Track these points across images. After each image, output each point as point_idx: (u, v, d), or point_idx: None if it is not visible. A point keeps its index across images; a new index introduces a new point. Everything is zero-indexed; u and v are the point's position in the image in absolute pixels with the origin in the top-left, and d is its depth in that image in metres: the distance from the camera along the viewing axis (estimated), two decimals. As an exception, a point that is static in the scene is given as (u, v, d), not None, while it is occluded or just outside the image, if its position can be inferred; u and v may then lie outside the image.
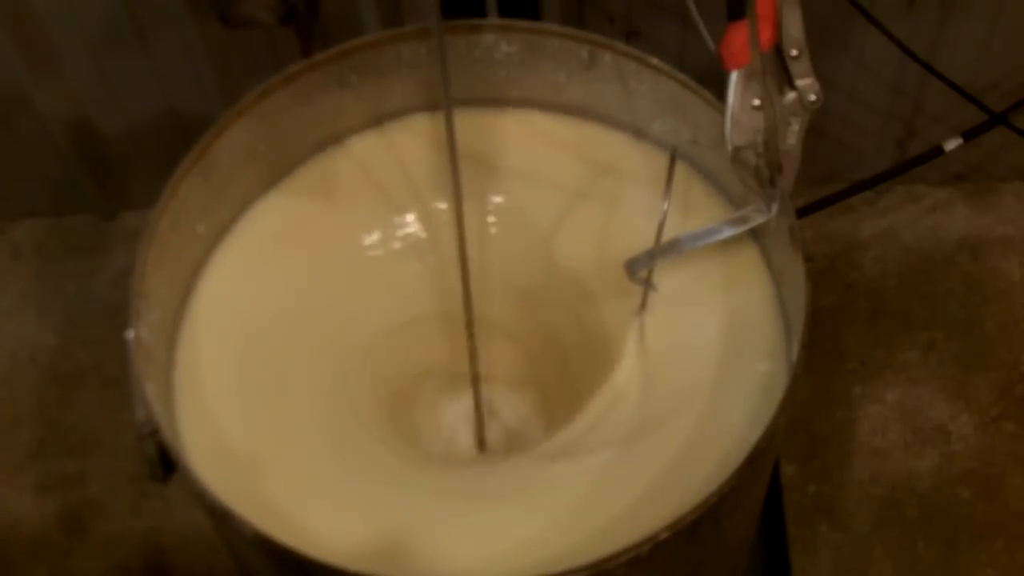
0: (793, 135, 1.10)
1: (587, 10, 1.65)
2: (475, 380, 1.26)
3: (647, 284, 1.22)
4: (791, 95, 1.08)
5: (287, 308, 1.25)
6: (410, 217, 1.33)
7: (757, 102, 1.07)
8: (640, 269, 1.20)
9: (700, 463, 1.12)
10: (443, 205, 1.32)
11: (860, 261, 1.85)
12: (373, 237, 1.32)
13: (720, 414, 1.16)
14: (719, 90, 1.09)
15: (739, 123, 1.08)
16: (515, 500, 1.17)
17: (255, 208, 1.30)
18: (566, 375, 1.32)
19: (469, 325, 1.20)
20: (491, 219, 1.32)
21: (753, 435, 1.02)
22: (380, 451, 1.21)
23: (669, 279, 1.23)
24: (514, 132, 1.34)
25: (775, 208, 1.14)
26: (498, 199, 1.33)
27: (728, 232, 1.19)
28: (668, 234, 1.20)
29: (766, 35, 1.04)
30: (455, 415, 1.37)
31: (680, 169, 1.25)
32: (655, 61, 1.24)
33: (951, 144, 1.67)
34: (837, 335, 1.77)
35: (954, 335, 1.77)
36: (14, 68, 1.68)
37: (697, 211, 1.27)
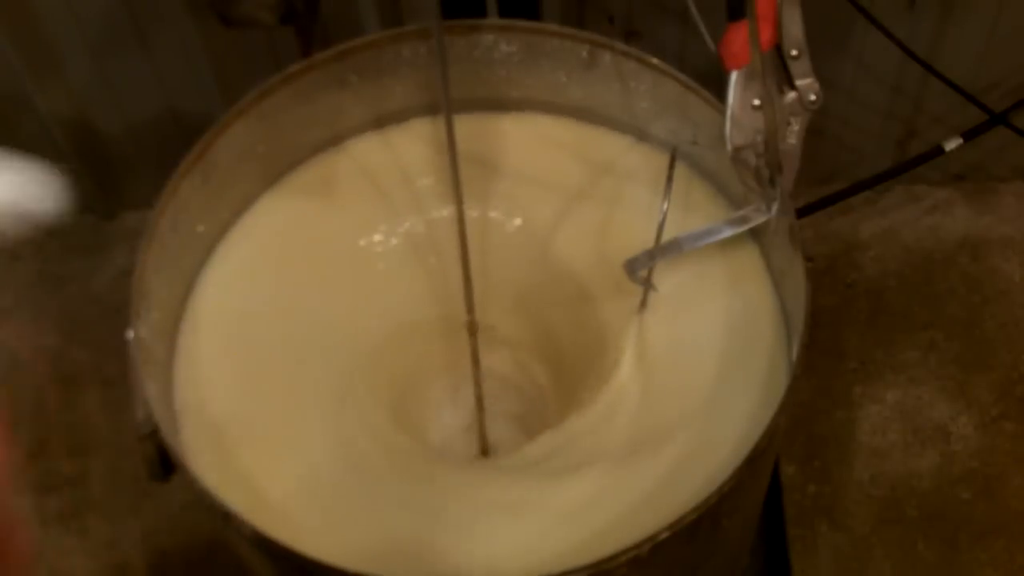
0: (793, 135, 1.10)
1: (587, 10, 1.65)
2: (477, 384, 1.26)
3: (647, 284, 1.22)
4: (791, 95, 1.08)
5: (287, 308, 1.25)
6: (410, 217, 1.33)
7: (757, 102, 1.07)
8: (640, 269, 1.20)
9: (700, 463, 1.12)
10: (443, 205, 1.32)
11: (860, 261, 1.85)
12: (373, 237, 1.32)
13: (720, 414, 1.16)
14: (719, 90, 1.10)
15: (739, 123, 1.08)
16: (515, 500, 1.17)
17: (255, 208, 1.30)
18: (566, 375, 1.32)
19: (472, 328, 1.20)
20: (491, 219, 1.32)
21: (753, 435, 1.02)
22: (380, 451, 1.21)
23: (669, 279, 1.23)
24: (514, 132, 1.34)
25: (775, 208, 1.14)
26: (498, 199, 1.33)
27: (728, 232, 1.19)
28: (668, 234, 1.20)
29: (766, 35, 1.04)
30: (457, 415, 1.37)
31: (680, 169, 1.25)
32: (655, 61, 1.24)
33: (951, 144, 1.67)
34: (837, 335, 1.77)
35: (954, 335, 1.77)
36: (14, 68, 1.68)
37: (697, 211, 1.27)
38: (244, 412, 1.18)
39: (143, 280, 1.11)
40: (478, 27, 1.27)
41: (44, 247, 1.94)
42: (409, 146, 1.34)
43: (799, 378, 1.05)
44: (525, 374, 1.38)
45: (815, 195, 1.74)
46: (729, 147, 1.10)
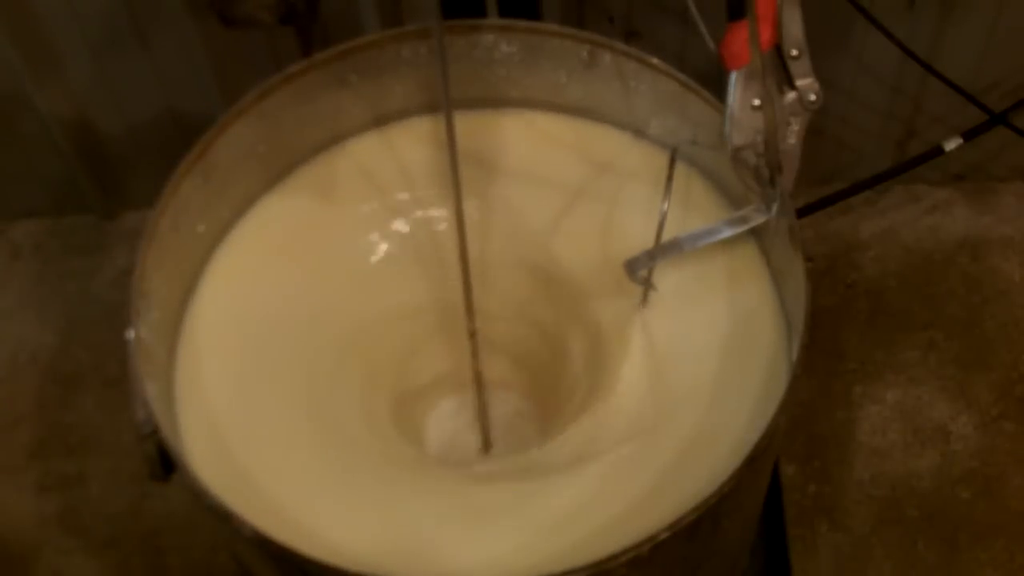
0: (793, 135, 1.10)
1: (587, 10, 1.65)
2: (478, 382, 1.26)
3: (647, 284, 1.22)
4: (791, 95, 1.08)
5: (287, 308, 1.25)
6: (410, 217, 1.33)
7: (757, 102, 1.07)
8: (640, 269, 1.20)
9: (700, 463, 1.12)
10: (442, 205, 1.32)
11: (860, 261, 1.85)
12: (373, 237, 1.32)
13: (720, 414, 1.16)
14: (719, 90, 1.10)
15: (739, 123, 1.08)
16: (515, 500, 1.17)
17: (255, 208, 1.30)
18: (566, 375, 1.32)
19: (471, 326, 1.20)
20: (491, 219, 1.32)
21: (753, 435, 1.02)
22: (381, 451, 1.21)
23: (669, 279, 1.23)
24: (514, 132, 1.35)
25: (775, 208, 1.14)
26: (498, 199, 1.33)
27: (728, 232, 1.19)
28: (668, 234, 1.20)
29: (766, 35, 1.04)
30: (456, 415, 1.38)
31: (680, 169, 1.25)
32: (655, 61, 1.24)
33: (951, 144, 1.67)
34: (837, 335, 1.77)
35: (954, 335, 1.77)
36: (14, 68, 1.68)
37: (697, 211, 1.27)
38: (244, 412, 1.18)
39: (143, 280, 1.11)
40: (478, 27, 1.27)
41: (44, 247, 1.94)
42: (409, 145, 1.34)
43: (799, 378, 1.05)
44: (524, 374, 1.38)
45: (815, 195, 1.74)
46: (729, 147, 1.10)
